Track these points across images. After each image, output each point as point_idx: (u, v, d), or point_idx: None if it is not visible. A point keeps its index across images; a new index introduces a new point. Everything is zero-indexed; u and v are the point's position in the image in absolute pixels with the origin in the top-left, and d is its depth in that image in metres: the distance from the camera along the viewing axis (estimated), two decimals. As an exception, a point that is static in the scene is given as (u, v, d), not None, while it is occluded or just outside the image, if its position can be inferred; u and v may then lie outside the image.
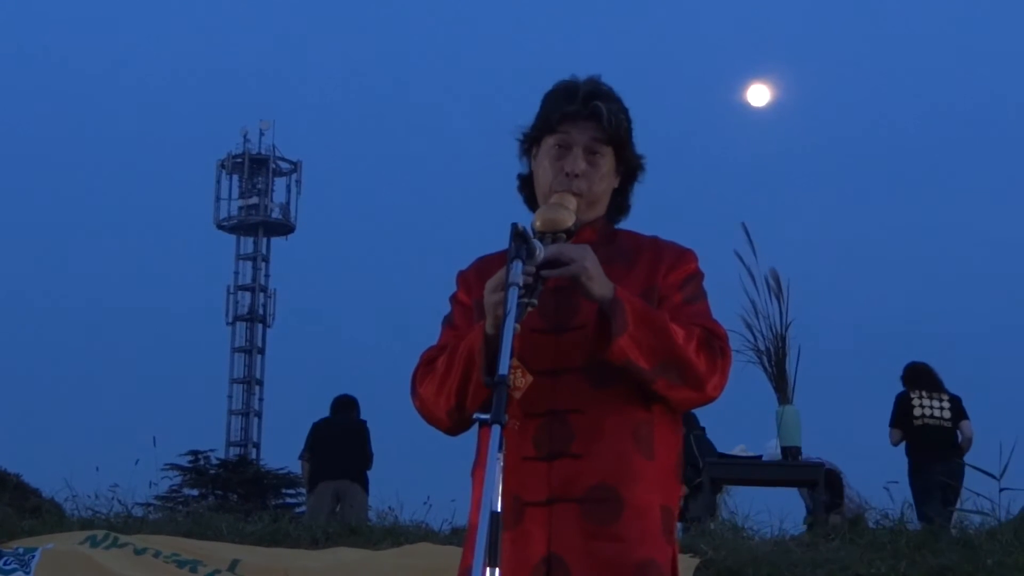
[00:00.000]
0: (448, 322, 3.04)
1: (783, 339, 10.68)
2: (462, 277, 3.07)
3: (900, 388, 10.79)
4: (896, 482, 10.40)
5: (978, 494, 8.95)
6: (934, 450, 10.38)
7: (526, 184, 3.07)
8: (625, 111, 3.03)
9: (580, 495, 2.81)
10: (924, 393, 10.54)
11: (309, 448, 12.18)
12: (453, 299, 3.07)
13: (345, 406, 12.58)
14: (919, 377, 10.68)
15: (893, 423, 10.63)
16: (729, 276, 10.55)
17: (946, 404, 10.52)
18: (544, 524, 2.81)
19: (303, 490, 24.57)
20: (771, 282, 10.79)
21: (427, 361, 2.96)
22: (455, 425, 2.93)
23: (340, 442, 12.19)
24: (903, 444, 10.61)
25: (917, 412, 10.49)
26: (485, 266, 3.00)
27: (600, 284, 2.78)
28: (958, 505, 9.84)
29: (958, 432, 10.53)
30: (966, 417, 10.58)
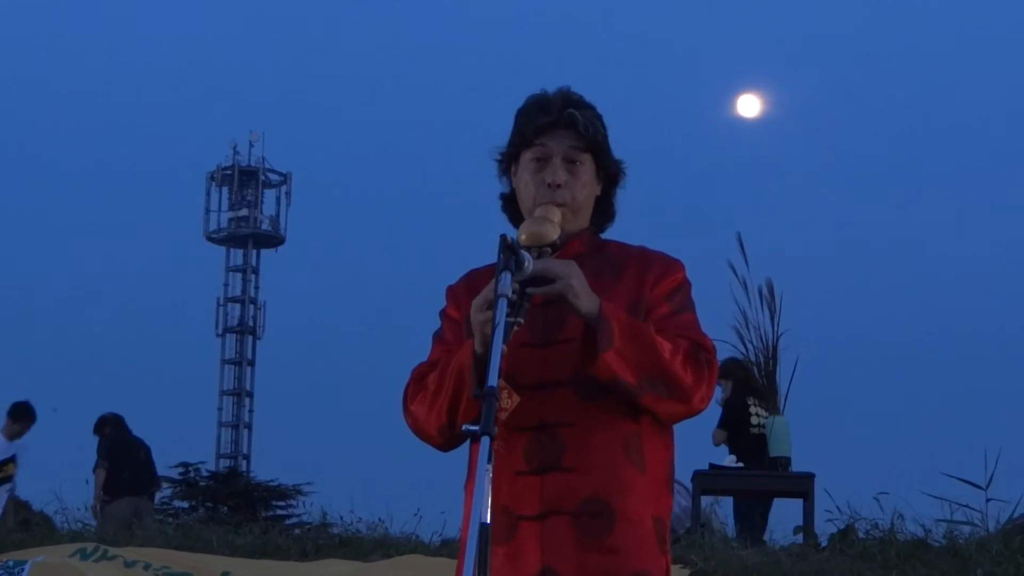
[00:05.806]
0: (439, 337, 3.03)
1: (774, 350, 10.69)
2: (452, 292, 3.06)
3: (889, 398, 10.81)
4: (887, 493, 10.41)
5: (965, 505, 8.94)
6: (761, 460, 10.31)
7: (509, 203, 3.06)
8: (599, 117, 3.02)
9: (573, 508, 2.82)
10: (756, 401, 10.48)
11: (108, 458, 12.52)
12: (443, 314, 3.05)
13: (123, 424, 13.20)
14: (750, 382, 10.44)
15: (723, 426, 10.52)
16: (720, 286, 10.56)
17: (763, 413, 10.48)
18: (537, 538, 2.82)
19: (293, 502, 24.65)
20: (764, 292, 10.81)
21: (418, 378, 2.96)
22: (446, 442, 2.93)
23: (136, 458, 12.88)
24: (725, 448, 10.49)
25: (754, 421, 10.43)
26: (474, 280, 2.99)
27: (586, 300, 2.79)
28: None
29: None
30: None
